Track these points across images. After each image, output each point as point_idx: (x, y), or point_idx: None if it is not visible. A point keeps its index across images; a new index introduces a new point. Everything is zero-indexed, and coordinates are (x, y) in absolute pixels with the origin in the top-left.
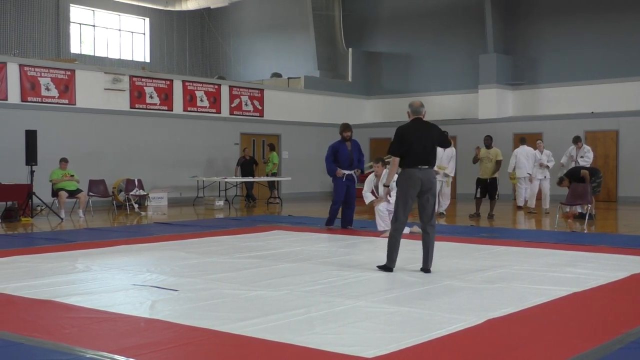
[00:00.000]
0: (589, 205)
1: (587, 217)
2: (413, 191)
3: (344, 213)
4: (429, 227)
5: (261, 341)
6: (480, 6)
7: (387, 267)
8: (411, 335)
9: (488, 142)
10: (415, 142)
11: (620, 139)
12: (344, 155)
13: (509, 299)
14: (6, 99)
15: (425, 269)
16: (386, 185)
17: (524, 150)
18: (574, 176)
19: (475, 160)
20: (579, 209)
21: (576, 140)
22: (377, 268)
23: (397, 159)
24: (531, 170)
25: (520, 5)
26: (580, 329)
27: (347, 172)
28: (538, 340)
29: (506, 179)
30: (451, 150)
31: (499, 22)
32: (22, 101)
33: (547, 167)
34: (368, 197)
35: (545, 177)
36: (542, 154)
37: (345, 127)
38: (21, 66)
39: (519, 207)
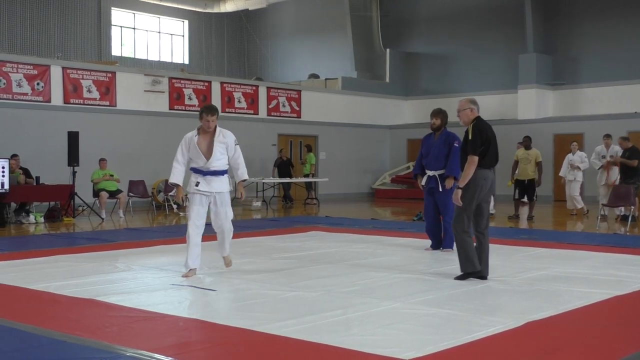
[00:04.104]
0: (632, 207)
1: (629, 219)
2: (483, 193)
3: (443, 228)
4: (486, 231)
5: (298, 342)
6: (520, 5)
7: (473, 273)
8: (449, 338)
9: (527, 142)
10: (493, 141)
11: None
12: (427, 149)
13: (549, 301)
14: (50, 101)
15: (485, 275)
16: (460, 188)
17: None
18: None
19: (515, 167)
20: (620, 211)
21: (606, 137)
22: (457, 279)
23: (477, 159)
24: None
25: (560, 4)
26: (622, 332)
27: (430, 173)
28: (578, 344)
29: (546, 180)
30: None
31: (538, 21)
32: (65, 103)
33: (578, 168)
34: (173, 175)
35: (575, 178)
36: (574, 155)
37: (433, 114)
38: (64, 69)
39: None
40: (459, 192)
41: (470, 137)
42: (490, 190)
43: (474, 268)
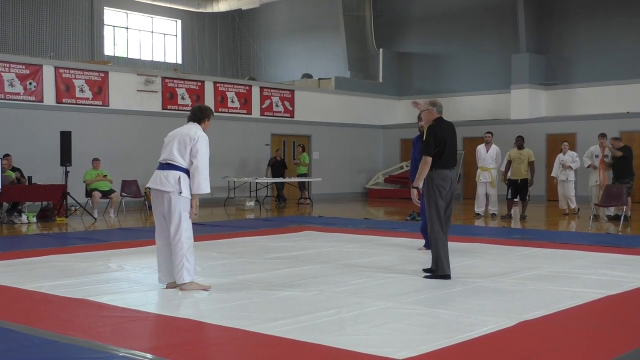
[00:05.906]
0: (624, 207)
1: (622, 219)
2: (445, 192)
3: None
4: (447, 229)
5: (291, 341)
6: (513, 5)
7: (445, 276)
8: (442, 337)
9: (520, 142)
10: (449, 142)
11: None
12: (419, 152)
13: (542, 301)
14: (42, 101)
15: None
16: (415, 187)
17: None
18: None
19: (507, 167)
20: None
21: (601, 136)
22: (426, 276)
23: (430, 159)
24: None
25: (553, 4)
26: (614, 332)
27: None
28: (571, 344)
29: (538, 179)
30: (494, 151)
31: (531, 21)
32: (57, 103)
33: (570, 168)
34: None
35: (567, 178)
36: (565, 155)
37: (419, 118)
38: (56, 68)
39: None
40: (414, 191)
41: (424, 138)
42: (452, 190)
43: (443, 272)
